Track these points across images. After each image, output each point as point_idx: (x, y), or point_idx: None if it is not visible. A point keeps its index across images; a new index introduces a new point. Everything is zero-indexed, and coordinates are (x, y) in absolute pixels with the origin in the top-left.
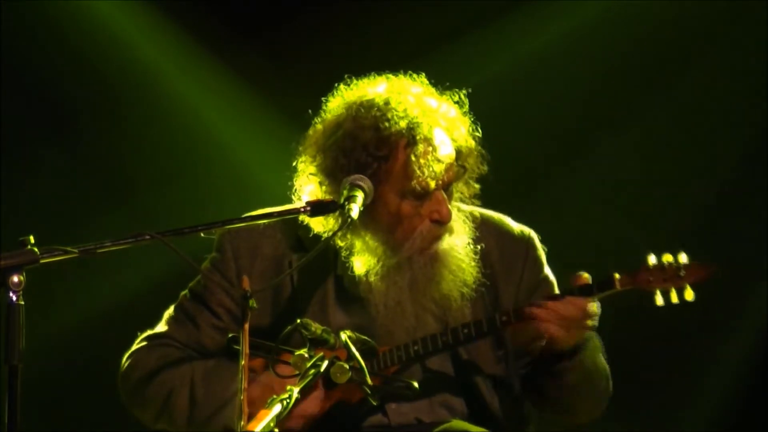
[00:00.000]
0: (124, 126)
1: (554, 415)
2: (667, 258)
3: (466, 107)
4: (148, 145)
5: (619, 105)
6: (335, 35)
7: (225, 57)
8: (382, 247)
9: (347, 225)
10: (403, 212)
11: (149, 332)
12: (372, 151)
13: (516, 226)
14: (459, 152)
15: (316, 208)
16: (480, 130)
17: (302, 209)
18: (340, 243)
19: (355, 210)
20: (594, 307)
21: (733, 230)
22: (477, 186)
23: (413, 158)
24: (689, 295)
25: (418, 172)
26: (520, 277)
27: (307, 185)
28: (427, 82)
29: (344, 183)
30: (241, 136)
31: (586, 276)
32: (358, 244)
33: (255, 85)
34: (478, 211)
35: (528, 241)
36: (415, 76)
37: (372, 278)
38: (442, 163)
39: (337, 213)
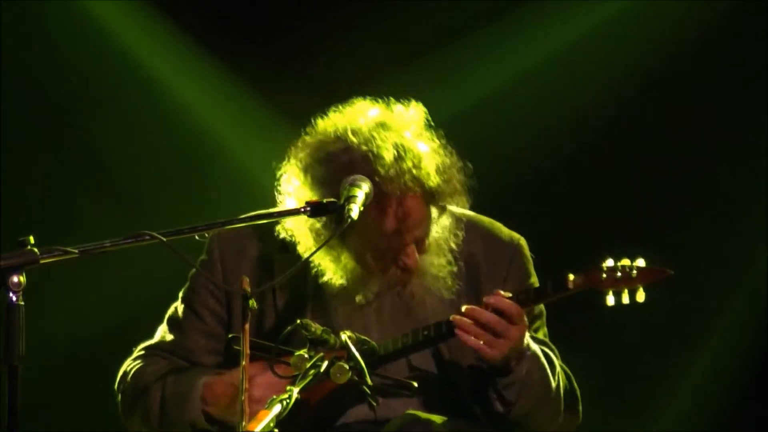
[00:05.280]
0: (125, 126)
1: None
2: (624, 261)
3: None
4: (148, 146)
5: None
6: (336, 37)
7: (225, 58)
8: (351, 274)
9: (347, 225)
10: (377, 246)
11: (143, 344)
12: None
13: (505, 232)
14: (422, 184)
15: (316, 208)
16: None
17: (302, 209)
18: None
19: (355, 210)
20: (514, 310)
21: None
22: (463, 200)
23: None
24: (640, 296)
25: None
26: (504, 279)
27: (289, 186)
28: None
29: (344, 183)
30: (241, 137)
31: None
32: (332, 254)
33: (255, 86)
34: (469, 215)
35: (516, 246)
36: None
37: (340, 295)
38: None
39: (322, 224)
